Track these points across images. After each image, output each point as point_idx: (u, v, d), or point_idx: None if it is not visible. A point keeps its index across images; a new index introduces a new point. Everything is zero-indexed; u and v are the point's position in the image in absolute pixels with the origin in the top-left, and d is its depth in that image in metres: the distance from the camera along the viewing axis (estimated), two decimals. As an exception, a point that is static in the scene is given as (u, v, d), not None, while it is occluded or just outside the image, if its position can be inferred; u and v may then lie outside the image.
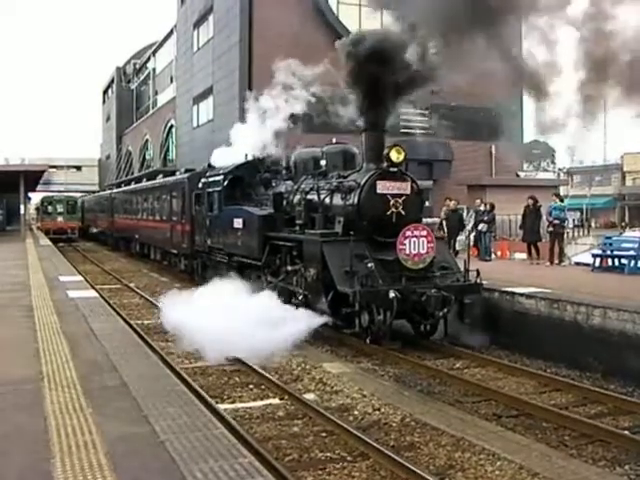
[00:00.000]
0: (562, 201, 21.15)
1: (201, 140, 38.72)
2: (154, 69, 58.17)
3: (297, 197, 15.65)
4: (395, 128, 19.14)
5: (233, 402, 9.75)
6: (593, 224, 57.85)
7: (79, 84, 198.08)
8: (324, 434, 8.31)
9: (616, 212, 65.26)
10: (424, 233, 12.94)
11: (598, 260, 19.13)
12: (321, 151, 16.20)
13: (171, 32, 49.79)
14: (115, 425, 5.39)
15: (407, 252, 12.72)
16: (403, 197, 13.53)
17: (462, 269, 13.58)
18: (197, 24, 41.47)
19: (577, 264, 21.21)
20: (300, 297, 13.92)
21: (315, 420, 8.80)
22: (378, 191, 13.41)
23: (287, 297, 14.40)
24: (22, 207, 37.57)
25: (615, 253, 19.13)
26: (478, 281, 13.18)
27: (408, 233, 12.75)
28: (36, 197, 62.11)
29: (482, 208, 22.52)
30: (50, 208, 51.74)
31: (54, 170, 67.75)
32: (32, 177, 36.68)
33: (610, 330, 11.45)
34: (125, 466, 4.57)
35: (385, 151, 13.50)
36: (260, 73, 32.12)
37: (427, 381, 10.87)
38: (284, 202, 16.23)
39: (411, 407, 9.29)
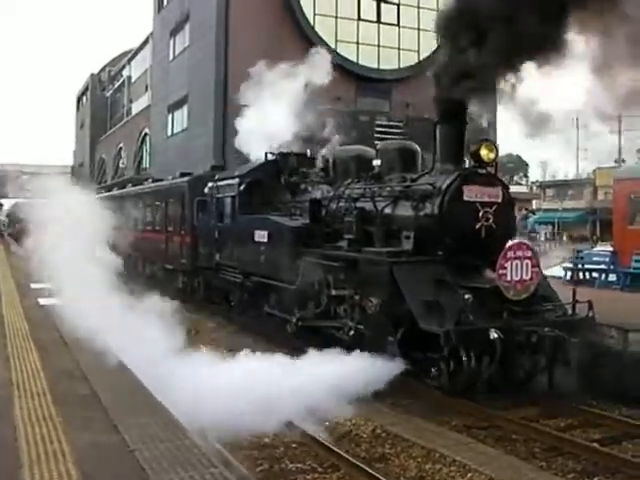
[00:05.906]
0: (534, 214, 21.40)
1: (175, 149, 38.54)
2: (129, 77, 57.79)
3: (342, 205, 12.99)
4: (369, 140, 19.07)
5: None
6: (565, 237, 58.44)
7: (53, 90, 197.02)
8: (295, 445, 8.30)
9: (587, 226, 65.95)
10: (528, 254, 10.22)
11: (569, 273, 19.37)
12: (376, 149, 13.48)
13: (147, 40, 49.51)
14: (85, 434, 5.35)
15: (508, 278, 9.99)
16: (494, 206, 10.89)
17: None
18: (173, 32, 41.30)
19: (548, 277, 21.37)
20: (350, 332, 11.15)
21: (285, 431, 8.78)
22: (465, 198, 10.78)
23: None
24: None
25: (586, 267, 19.39)
26: (590, 315, 10.40)
27: (510, 254, 10.04)
28: (8, 204, 61.43)
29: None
30: (22, 215, 51.13)
31: (26, 177, 67.10)
32: (3, 184, 36.35)
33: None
34: (94, 475, 4.54)
35: (472, 148, 11.03)
36: (235, 85, 32.09)
37: (399, 394, 10.82)
38: (322, 211, 13.48)
39: (382, 418, 9.30)
